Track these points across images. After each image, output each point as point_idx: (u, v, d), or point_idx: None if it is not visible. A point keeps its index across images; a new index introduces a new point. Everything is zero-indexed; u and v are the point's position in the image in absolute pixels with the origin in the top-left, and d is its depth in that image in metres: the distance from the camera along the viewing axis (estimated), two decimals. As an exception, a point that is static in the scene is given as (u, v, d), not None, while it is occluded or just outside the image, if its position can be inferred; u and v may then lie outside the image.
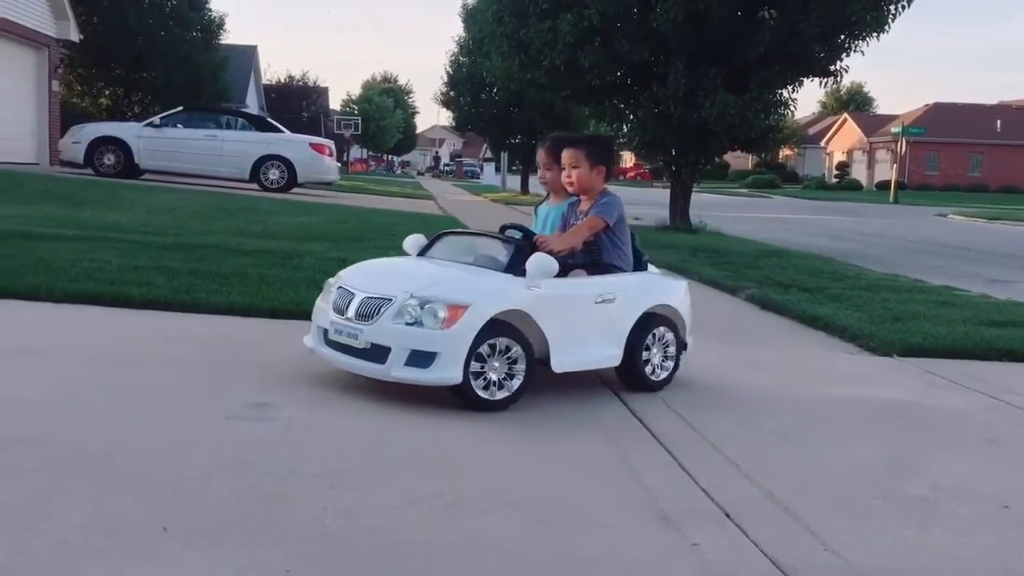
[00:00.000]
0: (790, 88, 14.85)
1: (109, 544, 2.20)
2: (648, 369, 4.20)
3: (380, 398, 3.64)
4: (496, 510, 2.64)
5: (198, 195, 14.46)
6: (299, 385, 3.74)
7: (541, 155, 4.49)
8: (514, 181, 39.17)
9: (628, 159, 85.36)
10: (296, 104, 53.91)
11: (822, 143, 72.09)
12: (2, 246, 6.39)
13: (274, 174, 18.27)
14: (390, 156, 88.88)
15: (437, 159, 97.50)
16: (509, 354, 3.69)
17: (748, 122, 13.89)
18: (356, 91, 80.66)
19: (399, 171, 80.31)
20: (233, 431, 3.17)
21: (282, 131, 19.37)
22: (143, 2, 27.79)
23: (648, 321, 4.18)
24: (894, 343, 5.62)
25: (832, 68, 14.46)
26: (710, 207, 23.93)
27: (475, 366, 3.60)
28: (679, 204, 15.74)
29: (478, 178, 64.31)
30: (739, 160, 63.06)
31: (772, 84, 14.22)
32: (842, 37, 13.76)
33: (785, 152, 70.54)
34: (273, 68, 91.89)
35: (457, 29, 41.46)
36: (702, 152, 15.18)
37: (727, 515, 2.75)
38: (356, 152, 72.42)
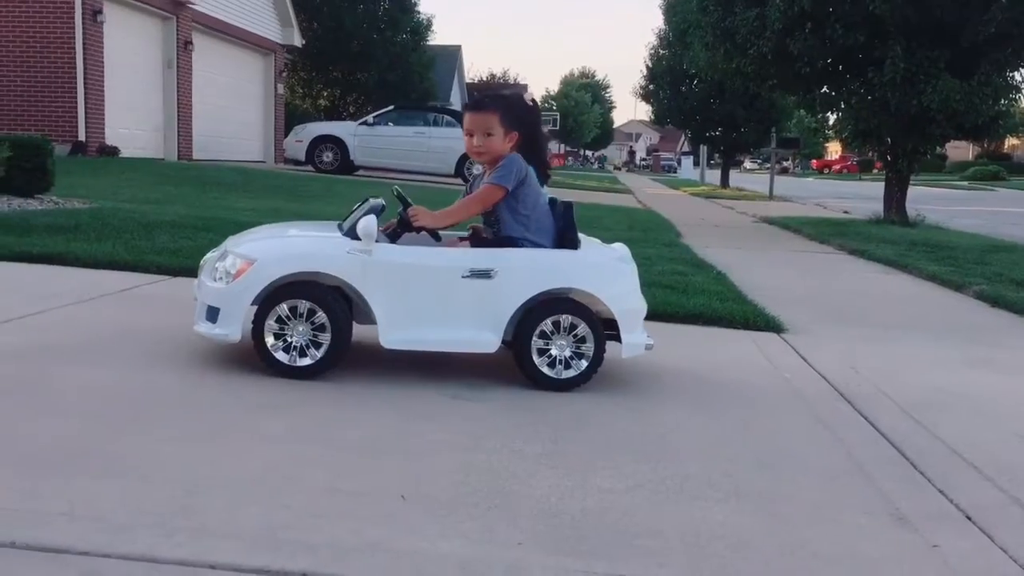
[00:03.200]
0: (1024, 70, 13.73)
1: (353, 507, 2.35)
2: (542, 360, 3.59)
3: (590, 382, 3.68)
4: (721, 498, 2.61)
5: (407, 189, 15.07)
6: (513, 368, 3.83)
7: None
8: (713, 175, 38.43)
9: (834, 150, 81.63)
10: (496, 101, 55.19)
11: (1056, 131, 65.99)
12: (240, 235, 6.92)
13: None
14: (584, 151, 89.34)
15: (632, 154, 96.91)
16: (317, 324, 3.46)
17: (975, 108, 12.92)
18: (555, 87, 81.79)
19: (596, 166, 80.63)
20: (458, 409, 3.30)
21: (485, 127, 19.86)
22: (358, 7, 29.31)
23: (548, 306, 3.61)
24: None
25: (1074, 48, 13.23)
26: (926, 200, 22.49)
27: (274, 327, 3.43)
28: (895, 196, 14.89)
29: (675, 172, 63.50)
30: (958, 151, 58.89)
31: (1004, 66, 13.16)
32: (1087, 14, 12.56)
33: (1012, 141, 65.15)
34: (475, 67, 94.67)
35: (657, 22, 41.12)
36: (921, 141, 14.29)
37: (968, 518, 2.59)
38: (553, 147, 73.38)
